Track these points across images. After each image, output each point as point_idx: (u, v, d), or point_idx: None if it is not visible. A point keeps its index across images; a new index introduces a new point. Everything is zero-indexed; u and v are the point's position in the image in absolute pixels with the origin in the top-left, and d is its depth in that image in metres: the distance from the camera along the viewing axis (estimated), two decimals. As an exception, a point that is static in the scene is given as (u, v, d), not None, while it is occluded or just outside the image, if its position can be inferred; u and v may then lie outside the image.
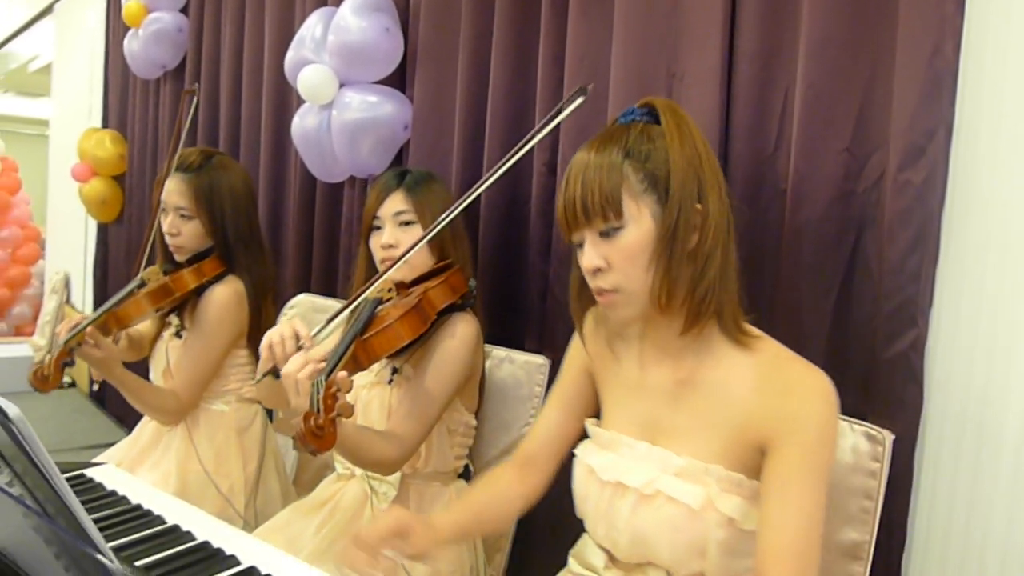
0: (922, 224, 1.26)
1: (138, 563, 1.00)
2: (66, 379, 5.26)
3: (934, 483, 1.30)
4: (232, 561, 1.02)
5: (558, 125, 1.35)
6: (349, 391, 1.19)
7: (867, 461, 1.26)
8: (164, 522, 1.14)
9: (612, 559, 1.20)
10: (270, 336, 1.28)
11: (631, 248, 1.07)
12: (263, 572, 0.99)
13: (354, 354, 1.28)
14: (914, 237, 1.26)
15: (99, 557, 0.53)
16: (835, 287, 1.38)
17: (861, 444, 1.27)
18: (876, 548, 1.26)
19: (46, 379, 1.67)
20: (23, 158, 6.78)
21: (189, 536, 1.10)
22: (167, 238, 1.95)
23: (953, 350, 1.27)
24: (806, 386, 1.08)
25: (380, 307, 1.43)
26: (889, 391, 1.30)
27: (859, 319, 1.36)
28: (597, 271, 1.09)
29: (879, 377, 1.31)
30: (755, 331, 1.15)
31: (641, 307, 1.11)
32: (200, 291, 1.93)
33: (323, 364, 1.20)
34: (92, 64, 4.64)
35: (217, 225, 1.95)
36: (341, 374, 1.19)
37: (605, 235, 1.08)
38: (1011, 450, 1.21)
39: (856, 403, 1.34)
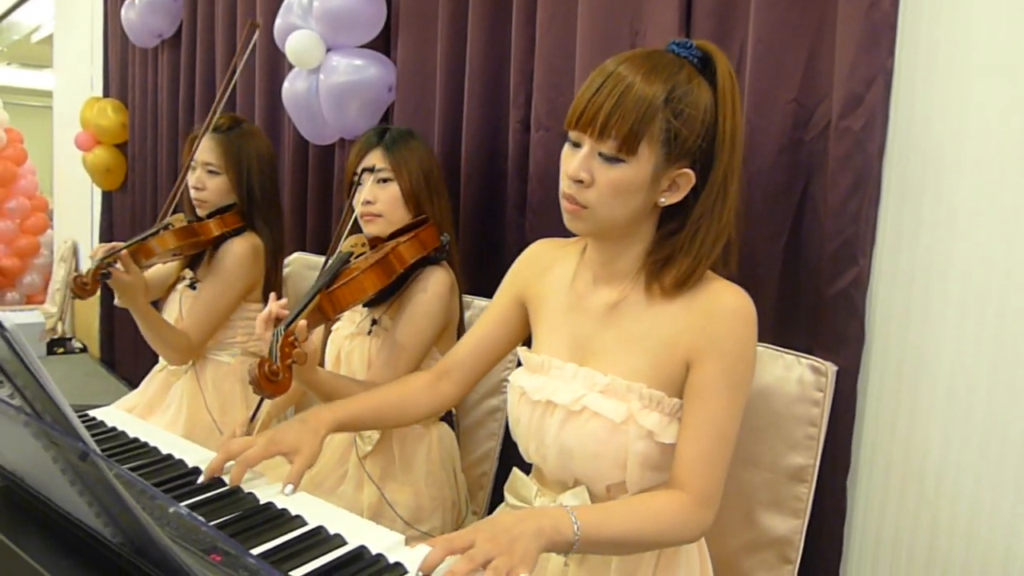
0: (862, 168, 1.34)
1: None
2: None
3: (877, 410, 1.39)
4: (219, 483, 1.13)
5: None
6: (305, 340, 1.28)
7: (812, 391, 1.35)
8: (159, 452, 1.25)
9: (541, 486, 1.29)
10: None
11: (621, 183, 1.10)
12: (246, 491, 1.10)
13: (319, 305, 1.37)
14: (854, 181, 1.34)
15: (87, 449, 0.63)
16: (785, 231, 1.46)
17: (806, 376, 1.36)
18: (822, 471, 1.36)
19: (85, 286, 1.80)
20: (28, 129, 6.86)
21: (181, 464, 1.20)
22: (192, 192, 2.07)
23: (894, 286, 1.36)
24: (730, 308, 1.15)
25: (351, 261, 1.52)
26: (833, 326, 1.39)
27: (807, 260, 1.44)
28: (579, 182, 1.12)
29: (824, 313, 1.40)
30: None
31: (598, 230, 1.17)
32: (219, 242, 2.05)
33: (285, 312, 1.29)
34: (92, 34, 4.70)
35: (243, 183, 2.07)
36: (300, 323, 1.28)
37: (604, 157, 1.10)
38: (945, 377, 1.30)
39: (804, 338, 1.43)
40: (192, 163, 2.07)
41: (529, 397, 1.24)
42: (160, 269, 2.18)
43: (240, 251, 2.03)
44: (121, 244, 1.86)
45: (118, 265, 1.82)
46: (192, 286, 2.11)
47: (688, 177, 1.13)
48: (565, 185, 1.14)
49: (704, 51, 1.15)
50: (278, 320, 1.30)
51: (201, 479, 1.13)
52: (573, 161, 1.12)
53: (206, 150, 2.05)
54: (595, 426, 1.17)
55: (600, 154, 1.10)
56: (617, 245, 1.20)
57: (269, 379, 1.20)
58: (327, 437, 1.24)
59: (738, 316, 1.15)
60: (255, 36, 2.09)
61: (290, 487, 1.12)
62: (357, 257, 1.55)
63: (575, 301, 1.26)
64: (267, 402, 1.78)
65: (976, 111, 1.25)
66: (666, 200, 1.15)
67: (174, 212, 2.08)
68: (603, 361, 1.20)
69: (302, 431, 1.19)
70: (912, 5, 1.31)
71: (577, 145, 1.13)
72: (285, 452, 1.16)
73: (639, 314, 1.19)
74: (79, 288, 1.80)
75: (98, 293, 1.83)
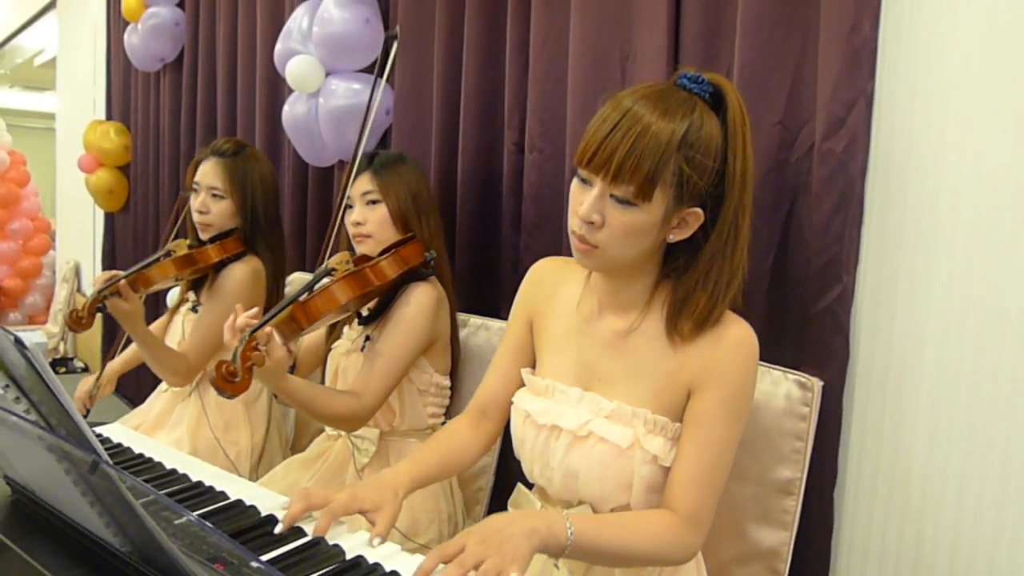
0: (844, 189, 1.38)
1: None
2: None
3: (863, 423, 1.42)
4: (222, 496, 1.17)
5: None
6: (267, 344, 1.34)
7: (798, 406, 1.39)
8: (164, 467, 1.28)
9: (545, 502, 1.30)
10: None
11: (632, 225, 1.10)
12: (247, 504, 1.14)
13: (293, 315, 1.43)
14: (837, 201, 1.38)
15: (99, 460, 0.66)
16: (772, 249, 1.50)
17: (793, 391, 1.39)
18: (809, 484, 1.40)
19: (80, 320, 1.83)
20: (31, 151, 6.92)
21: (185, 478, 1.24)
22: (195, 215, 2.11)
23: (878, 303, 1.39)
24: (733, 339, 1.17)
25: (331, 276, 1.57)
26: (818, 342, 1.42)
27: (793, 278, 1.48)
28: (590, 223, 1.11)
29: (810, 329, 1.43)
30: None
31: (607, 267, 1.19)
32: (220, 267, 2.08)
33: (253, 321, 1.35)
34: (95, 58, 4.77)
35: (247, 207, 2.10)
36: (266, 330, 1.34)
37: (616, 199, 1.09)
38: (928, 391, 1.33)
39: (791, 354, 1.47)
40: (195, 186, 2.11)
41: (534, 420, 1.26)
42: None
43: (241, 275, 2.06)
44: (121, 273, 1.89)
45: (120, 294, 1.85)
46: (195, 309, 2.15)
47: (698, 215, 1.14)
48: (575, 225, 1.14)
49: (715, 86, 1.14)
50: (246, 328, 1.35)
51: (279, 528, 1.09)
52: (584, 202, 1.11)
53: (211, 174, 2.08)
54: (601, 451, 1.19)
55: (612, 196, 1.10)
56: (624, 278, 1.22)
57: (226, 379, 1.26)
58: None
59: (741, 348, 1.17)
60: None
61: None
62: (340, 273, 1.60)
63: (581, 326, 1.28)
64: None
65: (955, 132, 1.29)
66: (675, 237, 1.16)
67: (176, 236, 2.12)
68: (608, 387, 1.23)
69: (382, 490, 1.18)
70: (891, 29, 1.35)
71: (587, 182, 1.12)
72: (367, 509, 1.15)
73: (647, 344, 1.21)
74: (74, 322, 1.83)
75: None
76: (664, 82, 1.17)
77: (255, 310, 1.40)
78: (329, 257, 1.66)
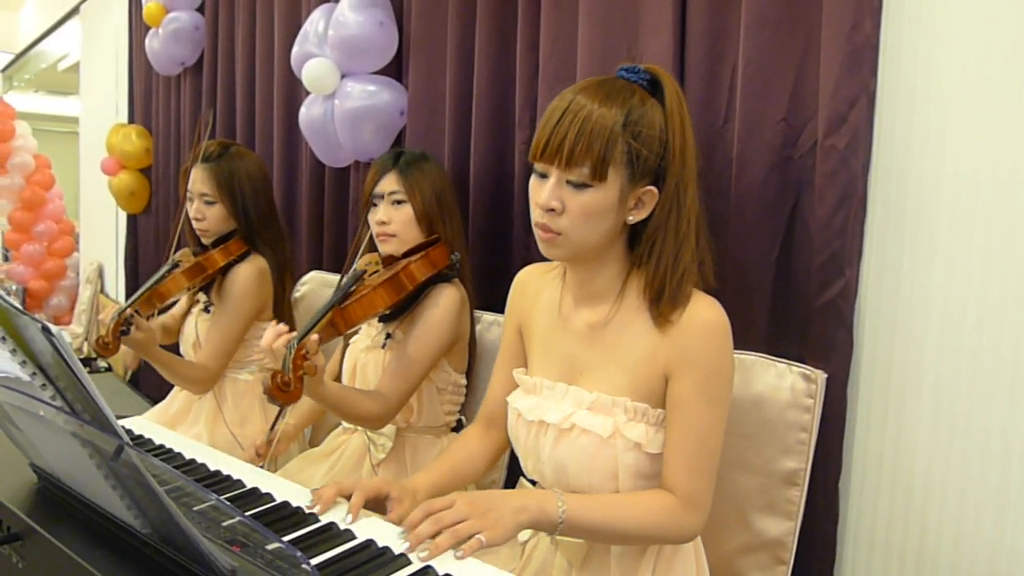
0: (847, 184, 1.40)
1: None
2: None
3: (867, 416, 1.45)
4: (239, 484, 1.21)
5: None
6: (316, 353, 1.37)
7: (802, 398, 1.41)
8: (183, 457, 1.33)
9: None
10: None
11: (591, 207, 1.15)
12: (263, 491, 1.18)
13: (332, 320, 1.47)
14: (840, 196, 1.41)
15: (122, 443, 0.70)
16: (777, 244, 1.53)
17: (797, 383, 1.42)
18: (814, 476, 1.42)
19: (106, 346, 1.88)
20: (55, 155, 7.01)
21: (204, 467, 1.29)
22: (194, 223, 2.15)
23: (880, 296, 1.42)
24: (701, 321, 1.20)
25: (364, 279, 1.60)
26: (822, 335, 1.45)
27: (797, 272, 1.51)
28: (551, 211, 1.17)
29: (813, 323, 1.46)
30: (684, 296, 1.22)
31: (573, 254, 1.23)
32: (227, 269, 2.13)
33: (294, 333, 1.39)
34: (117, 62, 4.84)
35: (238, 207, 2.14)
36: (312, 337, 1.37)
37: (572, 184, 1.15)
38: (930, 383, 1.36)
39: (796, 347, 1.50)
40: (189, 194, 2.15)
41: (524, 418, 1.30)
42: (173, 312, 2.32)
43: (246, 277, 2.10)
44: (134, 295, 1.95)
45: (130, 323, 1.90)
46: (206, 309, 2.20)
47: (652, 194, 1.19)
48: (537, 215, 1.19)
49: (652, 74, 1.21)
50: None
51: (315, 510, 1.14)
52: (543, 191, 1.17)
53: (199, 181, 2.13)
54: (585, 442, 1.22)
55: (568, 182, 1.15)
56: (592, 266, 1.26)
57: (281, 389, 1.30)
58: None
59: (709, 329, 1.20)
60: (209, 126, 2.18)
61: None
62: (371, 275, 1.63)
63: (561, 323, 1.32)
64: (282, 420, 1.87)
65: (955, 128, 1.31)
66: (634, 218, 1.20)
67: (178, 246, 2.16)
68: (590, 379, 1.26)
69: (402, 489, 1.24)
70: (893, 27, 1.38)
71: (544, 176, 1.18)
72: (393, 496, 1.21)
73: (621, 333, 1.25)
74: (102, 348, 1.88)
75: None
76: (606, 75, 1.24)
77: (282, 327, 1.42)
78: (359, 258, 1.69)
